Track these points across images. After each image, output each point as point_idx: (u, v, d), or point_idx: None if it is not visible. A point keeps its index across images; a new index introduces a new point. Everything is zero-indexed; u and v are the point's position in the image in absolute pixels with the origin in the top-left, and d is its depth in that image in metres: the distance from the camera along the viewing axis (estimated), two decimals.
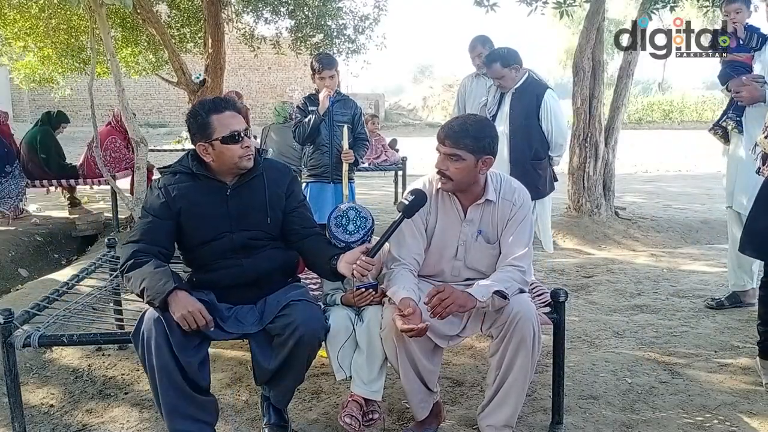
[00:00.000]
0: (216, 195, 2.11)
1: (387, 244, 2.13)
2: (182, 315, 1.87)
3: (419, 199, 2.07)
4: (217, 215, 2.10)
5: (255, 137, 6.04)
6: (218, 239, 2.10)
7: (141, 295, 1.95)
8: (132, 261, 2.00)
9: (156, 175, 5.90)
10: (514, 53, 3.45)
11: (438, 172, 2.11)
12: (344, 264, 2.01)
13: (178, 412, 1.97)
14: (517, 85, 3.45)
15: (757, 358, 2.71)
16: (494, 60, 3.45)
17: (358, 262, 1.97)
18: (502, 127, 3.41)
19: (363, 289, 2.19)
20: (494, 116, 3.53)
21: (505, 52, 3.46)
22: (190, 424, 1.99)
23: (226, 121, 2.04)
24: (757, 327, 2.71)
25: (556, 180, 3.67)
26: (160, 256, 2.06)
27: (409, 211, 2.06)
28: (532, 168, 3.41)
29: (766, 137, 2.54)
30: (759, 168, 2.57)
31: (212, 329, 1.98)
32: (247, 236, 2.12)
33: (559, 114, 3.45)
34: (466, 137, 2.03)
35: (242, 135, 2.06)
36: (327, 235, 2.26)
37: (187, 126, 2.12)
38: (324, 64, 3.76)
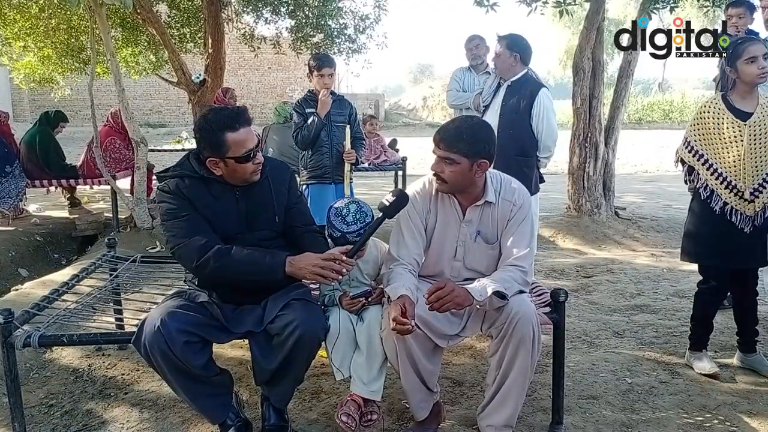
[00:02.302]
0: (226, 197, 2.09)
1: (386, 245, 2.13)
2: (313, 272, 1.93)
3: (400, 199, 2.08)
4: (229, 217, 2.09)
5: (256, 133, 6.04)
6: (230, 241, 2.08)
7: (252, 275, 1.97)
8: (214, 250, 1.96)
9: (154, 178, 5.90)
10: (525, 47, 3.39)
11: (434, 174, 2.12)
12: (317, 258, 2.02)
13: (199, 394, 2.06)
14: (513, 79, 3.39)
15: (687, 351, 2.87)
16: (505, 38, 3.40)
17: (336, 262, 1.97)
18: (492, 119, 3.34)
19: (358, 298, 2.20)
20: (487, 107, 3.51)
21: (517, 38, 3.41)
22: (213, 400, 2.10)
23: (241, 141, 1.97)
24: (692, 326, 2.86)
25: (542, 181, 3.58)
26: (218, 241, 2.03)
27: (388, 211, 2.07)
28: (517, 165, 3.25)
29: (686, 149, 2.68)
30: (686, 179, 2.74)
31: (354, 259, 2.02)
32: (258, 236, 2.12)
33: (551, 114, 3.38)
34: (459, 141, 2.03)
35: (255, 152, 2.02)
36: (326, 224, 2.27)
37: (197, 137, 2.05)
38: (323, 62, 3.76)
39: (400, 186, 7.30)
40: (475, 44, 4.62)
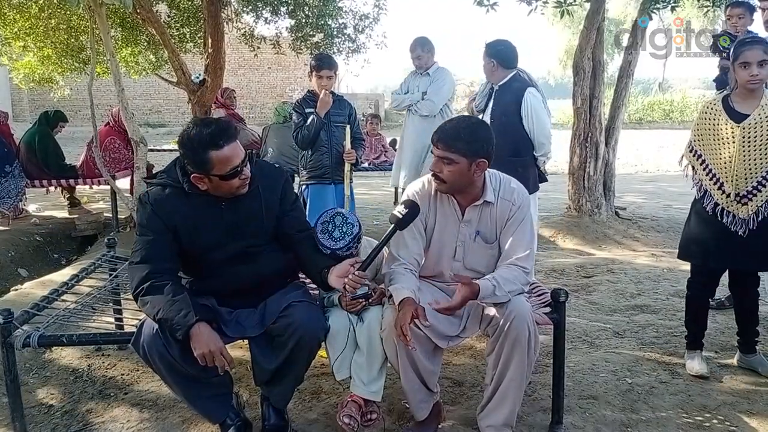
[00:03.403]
0: (210, 209, 2.05)
1: (384, 248, 2.13)
2: (203, 353, 1.85)
3: (412, 212, 2.07)
4: (212, 228, 2.06)
5: (254, 133, 6.05)
6: (215, 250, 2.07)
7: (157, 321, 1.91)
8: (149, 284, 1.93)
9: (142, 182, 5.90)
10: (503, 52, 3.49)
11: (432, 174, 2.12)
12: (335, 278, 2.00)
13: (199, 395, 2.06)
14: (500, 83, 3.50)
15: (686, 351, 2.87)
16: (486, 45, 3.53)
17: (350, 277, 1.96)
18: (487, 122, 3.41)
19: (357, 299, 2.18)
20: (482, 111, 3.59)
21: (495, 45, 3.52)
22: (212, 400, 2.10)
23: (225, 158, 1.91)
24: (686, 324, 2.88)
25: (545, 180, 3.64)
26: (171, 272, 2.02)
27: (401, 224, 2.06)
28: (512, 165, 3.25)
29: (690, 151, 2.71)
30: (693, 180, 2.74)
31: (233, 369, 2.00)
32: (243, 245, 2.09)
33: (540, 112, 3.43)
34: (458, 141, 2.03)
35: (242, 167, 1.97)
36: (315, 240, 2.24)
37: (180, 152, 1.99)
38: (323, 63, 3.76)
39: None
40: (417, 55, 4.42)
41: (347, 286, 1.96)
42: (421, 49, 4.40)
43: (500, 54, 3.49)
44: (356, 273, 1.96)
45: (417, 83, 4.48)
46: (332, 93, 3.81)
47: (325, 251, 2.15)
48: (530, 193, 3.50)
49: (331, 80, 3.77)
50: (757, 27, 3.84)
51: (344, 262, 2.02)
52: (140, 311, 2.47)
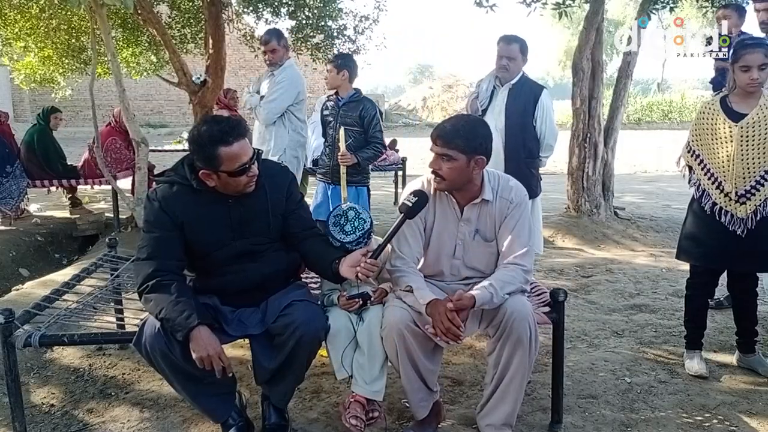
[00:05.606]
0: (217, 206, 2.06)
1: (387, 245, 2.14)
2: (201, 357, 1.86)
3: (422, 200, 2.09)
4: (219, 225, 2.07)
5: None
6: (221, 248, 2.09)
7: (159, 320, 1.92)
8: (154, 282, 1.94)
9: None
10: (528, 45, 3.49)
11: (432, 172, 2.13)
12: (347, 268, 2.02)
13: (202, 394, 2.07)
14: (513, 82, 3.44)
15: (684, 351, 2.88)
16: (516, 41, 3.43)
17: (362, 265, 1.98)
18: (495, 122, 3.38)
19: (354, 299, 2.19)
20: (485, 110, 3.52)
21: (524, 41, 3.47)
22: (216, 399, 2.11)
23: (234, 155, 1.92)
24: (685, 324, 2.90)
25: (540, 180, 3.69)
26: (177, 269, 2.03)
27: (411, 212, 2.07)
28: (526, 166, 3.41)
29: (688, 151, 2.73)
30: (690, 180, 2.75)
31: (231, 375, 2.02)
32: (249, 243, 2.11)
33: (553, 115, 3.49)
34: (457, 137, 2.04)
35: (250, 165, 1.99)
36: (325, 233, 2.26)
37: (190, 148, 2.02)
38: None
39: (399, 186, 7.33)
40: (271, 48, 4.04)
41: (359, 275, 1.99)
42: (277, 41, 3.93)
43: (528, 48, 3.44)
44: (368, 261, 1.99)
45: (266, 82, 4.04)
46: (356, 91, 3.76)
47: (335, 243, 2.17)
48: (536, 195, 3.53)
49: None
50: (753, 29, 3.84)
51: (355, 252, 2.05)
52: (141, 311, 2.49)
